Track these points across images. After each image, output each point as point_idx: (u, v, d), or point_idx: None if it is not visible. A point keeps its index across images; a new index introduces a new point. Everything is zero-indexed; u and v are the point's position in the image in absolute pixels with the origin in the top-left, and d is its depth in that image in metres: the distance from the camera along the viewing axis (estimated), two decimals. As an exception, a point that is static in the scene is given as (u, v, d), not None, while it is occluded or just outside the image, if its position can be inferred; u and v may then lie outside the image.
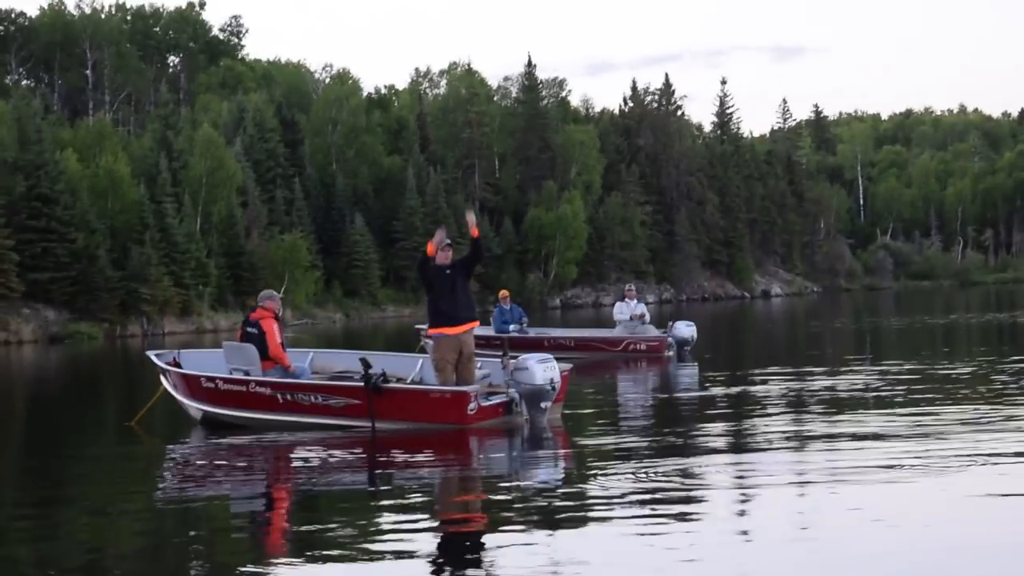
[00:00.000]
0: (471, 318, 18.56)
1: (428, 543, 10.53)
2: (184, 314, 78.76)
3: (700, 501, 11.74)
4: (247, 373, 19.21)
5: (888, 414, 17.96)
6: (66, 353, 57.16)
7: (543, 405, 17.96)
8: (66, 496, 14.23)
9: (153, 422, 20.36)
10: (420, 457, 15.83)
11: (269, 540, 11.35)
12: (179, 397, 20.20)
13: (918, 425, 16.46)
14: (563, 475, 14.26)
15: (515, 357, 18.44)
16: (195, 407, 19.84)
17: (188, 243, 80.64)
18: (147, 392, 21.19)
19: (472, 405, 17.58)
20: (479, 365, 18.73)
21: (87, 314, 73.77)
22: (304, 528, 11.53)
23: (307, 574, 9.38)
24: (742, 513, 11.16)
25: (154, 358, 21.17)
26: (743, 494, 12.18)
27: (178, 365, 20.47)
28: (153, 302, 75.99)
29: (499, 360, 18.78)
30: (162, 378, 20.68)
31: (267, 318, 19.61)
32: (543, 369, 17.93)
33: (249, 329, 19.57)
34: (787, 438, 16.08)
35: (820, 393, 21.91)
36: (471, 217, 19.30)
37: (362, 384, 17.87)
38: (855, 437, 15.57)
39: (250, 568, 9.90)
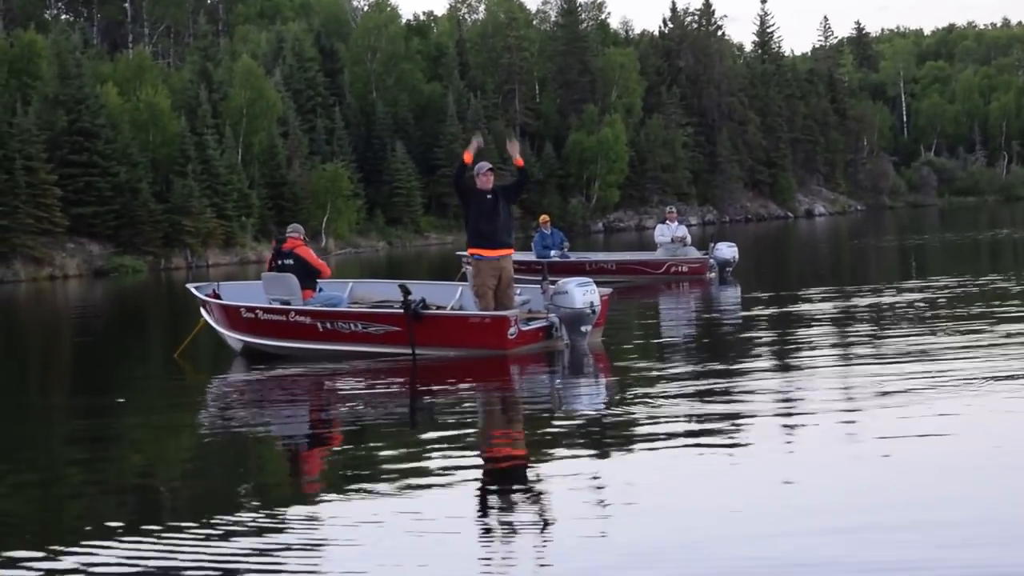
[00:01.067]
0: (509, 244, 18.50)
1: (472, 471, 10.55)
2: (227, 245, 78.94)
3: (746, 427, 11.57)
4: (287, 303, 19.26)
5: (934, 331, 17.85)
6: (111, 287, 57.49)
7: (583, 329, 17.93)
8: (112, 430, 14.33)
9: (196, 354, 20.47)
10: (461, 383, 15.87)
11: (312, 470, 11.40)
12: (219, 329, 20.26)
13: (967, 343, 16.31)
14: (605, 400, 14.25)
15: (554, 282, 18.42)
16: (235, 338, 19.90)
17: (230, 174, 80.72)
18: (191, 324, 21.27)
19: (512, 330, 17.57)
20: (518, 291, 18.70)
21: (131, 247, 74.04)
22: (346, 457, 11.57)
23: (350, 503, 9.37)
24: (790, 439, 10.98)
25: (194, 290, 21.24)
26: (790, 418, 12.03)
27: (218, 297, 20.52)
28: (196, 234, 76.19)
29: (538, 285, 18.75)
30: (202, 310, 20.75)
31: (299, 245, 19.74)
32: (583, 293, 17.90)
33: (284, 261, 19.63)
34: (832, 358, 16.01)
35: (864, 312, 21.82)
36: (515, 147, 19.21)
37: (402, 311, 17.88)
38: (901, 355, 15.46)
39: (294, 497, 9.95)
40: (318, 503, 9.53)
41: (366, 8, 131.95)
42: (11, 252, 67.99)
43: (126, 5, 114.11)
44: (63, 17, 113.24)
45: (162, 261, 74.54)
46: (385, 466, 10.65)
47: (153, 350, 24.29)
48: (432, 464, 10.62)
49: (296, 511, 9.19)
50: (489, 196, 18.40)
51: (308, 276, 19.49)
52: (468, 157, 18.25)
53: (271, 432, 13.55)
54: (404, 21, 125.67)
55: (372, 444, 11.94)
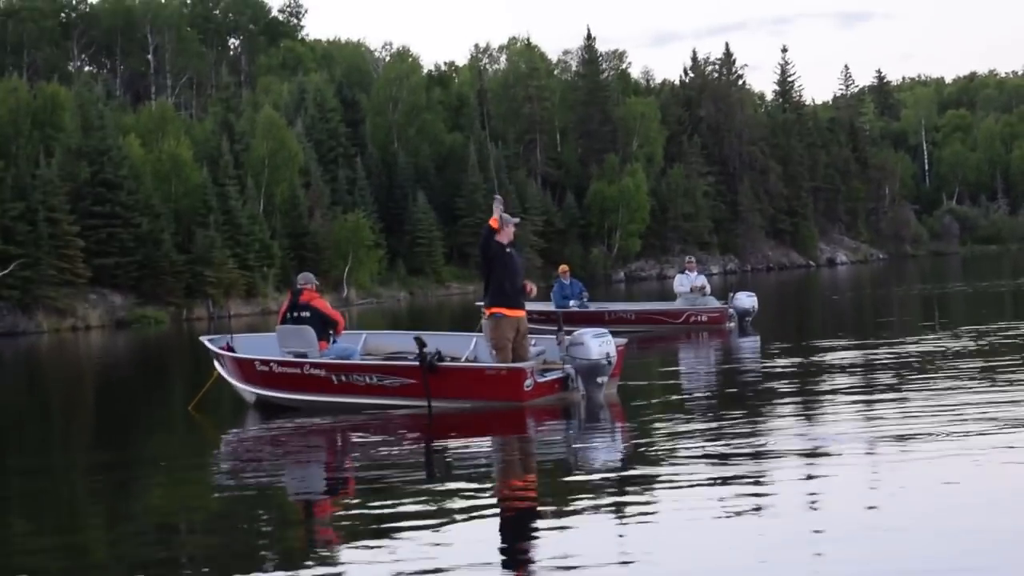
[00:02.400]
0: (524, 304, 18.57)
1: (488, 525, 10.51)
2: (249, 296, 79.12)
3: (768, 481, 11.46)
4: (304, 356, 19.22)
5: (958, 382, 17.73)
6: (133, 337, 57.62)
7: (599, 380, 17.88)
8: (131, 487, 14.32)
9: (213, 406, 20.43)
10: (477, 436, 15.86)
11: (328, 523, 11.35)
12: (233, 381, 20.23)
13: (988, 391, 16.23)
14: (621, 453, 14.18)
15: (570, 332, 18.39)
16: (249, 391, 19.87)
17: (252, 225, 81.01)
18: (209, 376, 21.25)
19: (528, 382, 17.53)
20: (533, 342, 18.69)
21: (153, 298, 74.29)
22: (362, 511, 11.50)
23: (366, 556, 9.36)
24: (813, 494, 10.78)
25: (207, 343, 21.21)
26: (812, 472, 11.89)
27: (231, 350, 20.50)
28: (218, 285, 76.39)
29: (554, 336, 18.71)
30: (216, 363, 20.72)
31: (316, 297, 19.75)
32: (598, 344, 17.86)
33: (300, 313, 19.59)
34: (854, 410, 15.90)
35: (887, 362, 21.67)
36: (498, 205, 18.94)
37: (417, 363, 17.85)
38: (924, 406, 15.36)
39: (309, 551, 9.92)
40: (335, 559, 9.51)
41: (388, 59, 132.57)
42: (34, 303, 68.26)
43: (149, 57, 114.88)
44: (86, 69, 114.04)
45: (184, 312, 74.71)
46: (402, 521, 10.59)
47: (173, 402, 24.28)
48: (449, 518, 10.58)
49: (314, 567, 9.16)
50: (509, 251, 18.42)
51: (324, 327, 19.49)
52: (495, 222, 18.27)
53: (287, 486, 13.52)
54: (425, 71, 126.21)
55: (388, 498, 11.89)
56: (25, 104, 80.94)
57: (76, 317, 70.29)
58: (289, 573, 9.02)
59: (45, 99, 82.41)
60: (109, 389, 29.75)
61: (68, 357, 46.88)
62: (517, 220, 18.89)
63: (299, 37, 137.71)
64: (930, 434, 13.12)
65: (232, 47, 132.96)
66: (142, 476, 14.73)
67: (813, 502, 10.37)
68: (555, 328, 18.94)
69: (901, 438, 13.02)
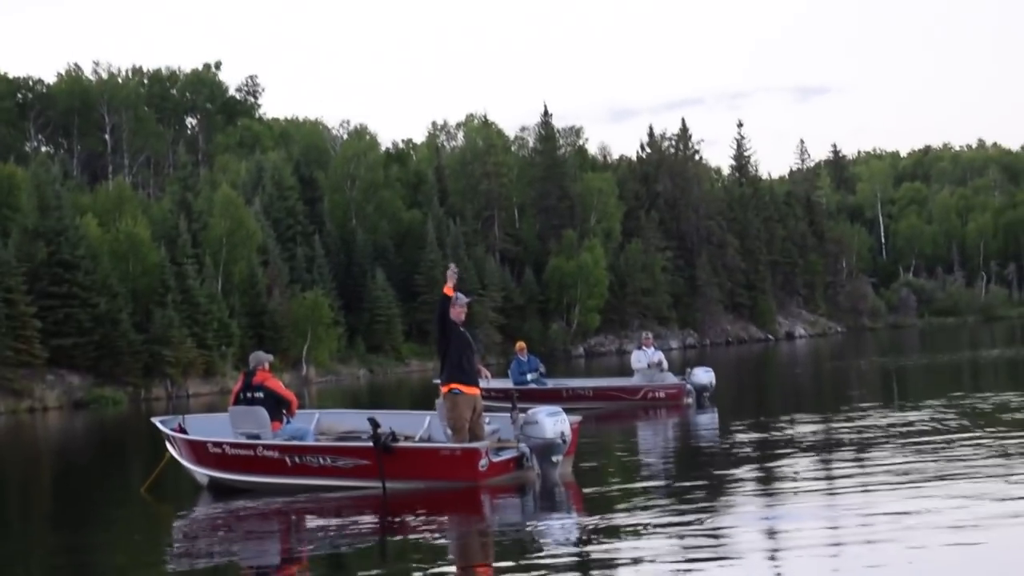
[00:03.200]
0: (479, 383, 18.59)
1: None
2: (208, 375, 78.76)
3: (729, 558, 11.51)
4: (257, 437, 19.14)
5: (917, 455, 17.78)
6: (91, 418, 57.23)
7: (554, 459, 17.87)
8: (83, 570, 14.22)
9: (166, 488, 20.29)
10: (433, 516, 15.80)
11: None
12: (185, 463, 20.10)
13: (951, 468, 16.25)
14: (578, 531, 14.15)
15: (524, 410, 18.38)
16: (202, 473, 19.73)
17: (210, 304, 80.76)
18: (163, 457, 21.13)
19: (483, 461, 17.51)
20: (488, 420, 18.68)
21: (111, 378, 73.89)
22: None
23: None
24: (775, 568, 10.82)
25: (159, 424, 21.09)
26: (772, 547, 11.93)
27: (183, 431, 20.37)
28: (176, 364, 76.06)
29: (508, 414, 18.71)
30: (168, 444, 20.59)
31: (269, 378, 19.68)
32: (553, 422, 17.86)
33: (254, 394, 19.51)
34: (813, 486, 15.91)
35: (845, 436, 21.71)
36: (452, 276, 18.92)
37: (371, 444, 17.82)
38: (885, 482, 15.38)
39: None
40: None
41: (345, 136, 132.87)
42: (-10, 384, 67.79)
43: (106, 137, 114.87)
44: (43, 149, 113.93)
45: (142, 391, 74.31)
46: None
47: (129, 484, 24.10)
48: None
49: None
50: (463, 330, 18.47)
51: (277, 407, 19.40)
52: (449, 290, 18.32)
53: (241, 569, 13.43)
54: (383, 149, 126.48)
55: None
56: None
57: (33, 398, 69.79)
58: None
59: (1, 179, 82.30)
60: (65, 472, 29.55)
61: (25, 439, 46.54)
62: (469, 299, 18.92)
63: (256, 116, 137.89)
64: (892, 512, 13.15)
65: (189, 126, 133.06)
66: (95, 562, 14.61)
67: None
68: (510, 406, 18.92)
69: (862, 514, 13.03)
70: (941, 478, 15.34)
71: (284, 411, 19.54)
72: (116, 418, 56.19)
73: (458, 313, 18.50)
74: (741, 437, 23.24)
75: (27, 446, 42.61)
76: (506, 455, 18.05)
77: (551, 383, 36.16)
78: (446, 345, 18.51)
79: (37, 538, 17.07)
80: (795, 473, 17.18)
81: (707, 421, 29.19)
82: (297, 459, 18.49)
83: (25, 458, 36.60)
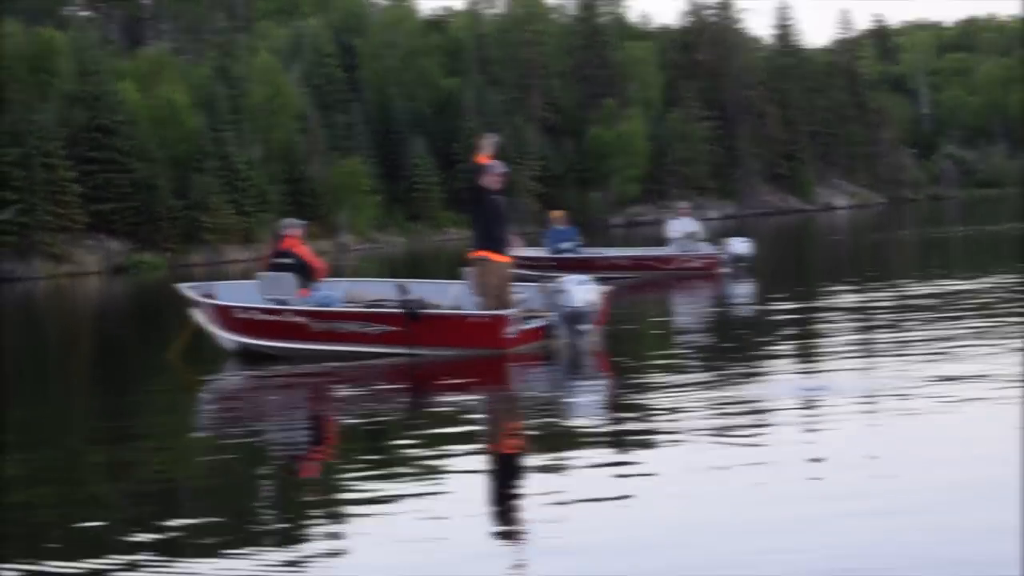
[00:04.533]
0: (509, 251, 18.55)
1: (477, 476, 10.45)
2: (246, 241, 78.94)
3: (763, 429, 11.36)
4: (285, 303, 19.14)
5: (955, 327, 17.63)
6: (130, 283, 57.63)
7: (582, 328, 17.86)
8: (111, 434, 14.33)
9: (193, 354, 20.30)
10: (460, 383, 15.86)
11: (312, 475, 11.34)
12: (213, 329, 20.10)
13: (984, 339, 16.12)
14: (605, 401, 14.17)
15: (554, 279, 18.37)
16: (230, 339, 19.75)
17: (248, 171, 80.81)
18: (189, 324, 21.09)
19: (511, 329, 17.51)
20: (516, 290, 18.63)
21: (150, 244, 74.26)
22: (348, 466, 11.46)
23: (356, 513, 9.31)
24: (810, 443, 10.61)
25: (186, 290, 21.02)
26: (809, 421, 11.73)
27: (212, 297, 20.38)
28: (215, 230, 76.34)
29: (537, 283, 18.70)
30: (195, 311, 20.48)
31: (298, 244, 19.62)
32: (582, 291, 17.81)
33: (282, 260, 19.48)
34: (851, 356, 15.79)
35: (883, 308, 21.53)
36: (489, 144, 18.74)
37: (399, 310, 17.84)
38: (924, 355, 15.25)
39: (294, 508, 9.91)
40: (323, 514, 9.44)
41: (384, 3, 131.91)
42: (30, 249, 68.21)
43: (145, 1, 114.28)
44: (82, 14, 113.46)
45: (181, 257, 74.64)
46: (390, 475, 10.56)
47: (162, 349, 24.25)
48: (430, 468, 10.52)
49: (301, 523, 9.19)
50: (496, 198, 18.35)
51: (305, 275, 19.36)
52: (483, 158, 18.21)
53: (268, 439, 13.43)
54: (422, 17, 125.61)
55: (375, 451, 11.90)
56: (21, 49, 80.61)
57: (73, 263, 70.26)
58: (283, 529, 9.04)
59: (41, 44, 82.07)
60: (102, 336, 29.80)
61: (64, 304, 46.92)
62: (505, 169, 18.81)
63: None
64: (930, 379, 13.11)
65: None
66: (120, 431, 14.68)
67: (810, 452, 10.15)
68: (540, 274, 18.92)
69: (900, 386, 12.94)
70: (978, 346, 15.22)
71: (312, 279, 19.50)
72: (155, 283, 56.47)
73: (493, 181, 18.38)
74: (776, 307, 23.16)
75: (66, 310, 42.97)
76: (534, 323, 18.08)
77: (586, 252, 36.13)
78: (476, 213, 18.46)
79: (71, 403, 17.21)
80: (830, 343, 17.13)
81: (743, 291, 29.12)
82: (325, 325, 18.49)
83: (64, 322, 36.89)
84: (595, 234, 69.28)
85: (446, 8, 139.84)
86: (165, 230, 74.50)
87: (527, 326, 17.89)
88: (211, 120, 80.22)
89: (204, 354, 20.12)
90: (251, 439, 13.06)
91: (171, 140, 78.93)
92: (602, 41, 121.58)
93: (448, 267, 49.32)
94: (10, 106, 71.94)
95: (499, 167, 18.55)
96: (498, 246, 18.13)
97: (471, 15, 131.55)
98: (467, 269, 18.58)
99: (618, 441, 11.17)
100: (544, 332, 17.99)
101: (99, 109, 74.49)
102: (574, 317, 17.76)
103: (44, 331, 34.04)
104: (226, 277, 41.35)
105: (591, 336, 18.04)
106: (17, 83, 76.66)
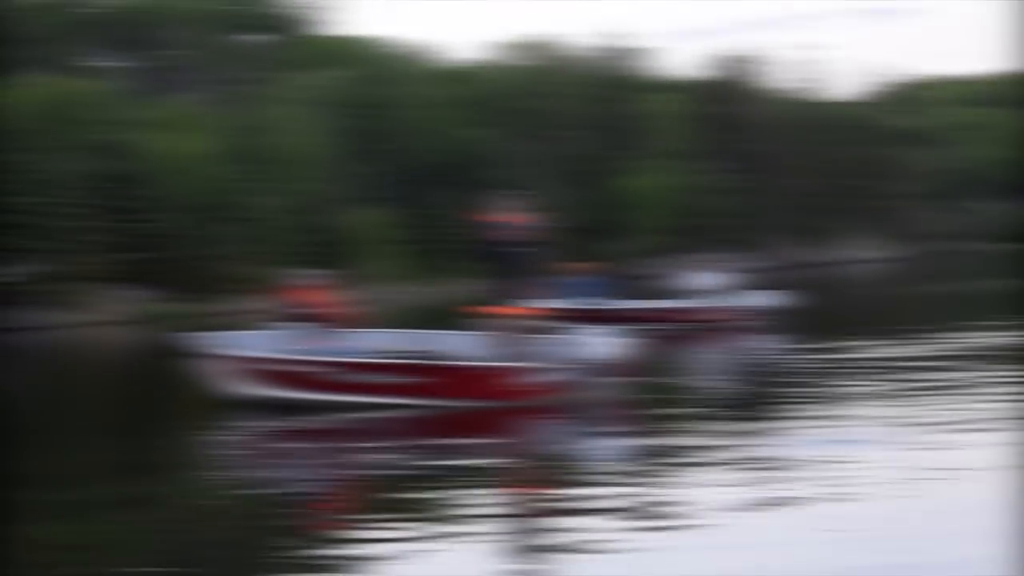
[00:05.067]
0: (529, 304, 18.34)
1: (485, 525, 10.34)
2: (270, 291, 78.81)
3: (788, 478, 11.28)
4: (301, 354, 19.02)
5: (979, 384, 17.39)
6: (153, 333, 57.62)
7: (602, 380, 17.69)
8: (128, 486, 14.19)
9: (210, 404, 20.17)
10: (478, 435, 15.71)
11: (328, 525, 11.21)
12: (231, 380, 19.94)
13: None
14: (626, 451, 14.02)
15: (574, 331, 18.22)
16: (246, 389, 19.62)
17: (273, 221, 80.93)
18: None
19: (529, 380, 17.36)
20: (536, 340, 18.46)
21: (175, 294, 74.29)
22: (363, 511, 11.37)
23: (368, 559, 9.16)
24: (834, 504, 10.47)
25: (205, 341, 20.92)
26: (831, 478, 11.53)
27: (229, 348, 20.23)
28: (239, 280, 76.36)
29: (557, 335, 18.54)
30: (211, 362, 20.35)
31: (316, 295, 19.56)
32: (601, 343, 17.69)
33: (300, 310, 19.44)
34: (877, 409, 15.62)
35: (911, 359, 21.31)
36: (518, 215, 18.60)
37: (417, 362, 17.71)
38: (947, 406, 15.10)
39: (309, 555, 9.77)
40: (334, 560, 9.31)
41: (408, 54, 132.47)
42: (53, 299, 68.24)
43: (172, 51, 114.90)
44: (108, 64, 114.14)
45: (206, 307, 74.63)
46: (403, 523, 10.44)
47: (182, 398, 24.16)
48: (451, 515, 10.41)
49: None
50: (514, 250, 18.20)
51: (323, 326, 19.26)
52: (499, 217, 17.97)
53: (285, 490, 13.33)
54: (447, 68, 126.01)
55: (389, 495, 11.78)
56: (47, 99, 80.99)
57: (96, 312, 70.28)
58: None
59: (66, 94, 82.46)
60: (120, 386, 29.75)
61: (86, 353, 46.93)
62: (525, 218, 18.66)
63: (321, 33, 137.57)
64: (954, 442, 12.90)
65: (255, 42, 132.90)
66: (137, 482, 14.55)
67: (836, 513, 9.99)
68: (561, 325, 18.77)
69: (924, 437, 12.80)
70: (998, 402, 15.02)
71: (331, 329, 19.41)
72: (178, 333, 56.41)
73: (512, 234, 18.26)
74: (802, 359, 22.97)
75: (88, 360, 42.96)
76: (554, 375, 17.88)
77: (610, 304, 35.99)
78: (492, 269, 18.30)
79: (93, 453, 17.11)
80: (856, 396, 16.93)
81: (767, 344, 28.94)
82: (344, 376, 18.36)
83: (86, 372, 36.85)
84: (619, 286, 69.22)
85: (471, 59, 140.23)
86: (189, 280, 74.51)
87: (546, 378, 17.71)
88: (236, 170, 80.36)
89: (220, 404, 20.00)
90: (267, 488, 12.93)
91: (196, 190, 79.08)
92: (627, 93, 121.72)
93: (469, 318, 49.40)
94: (34, 155, 72.18)
95: (520, 222, 18.43)
96: (512, 300, 17.95)
97: (496, 66, 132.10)
98: (485, 321, 18.41)
99: (637, 493, 10.99)
100: (564, 384, 17.79)
101: (124, 158, 74.64)
102: (593, 369, 17.58)
103: (66, 380, 33.98)
104: (250, 327, 41.31)
105: (610, 388, 17.86)
106: (43, 132, 77.05)
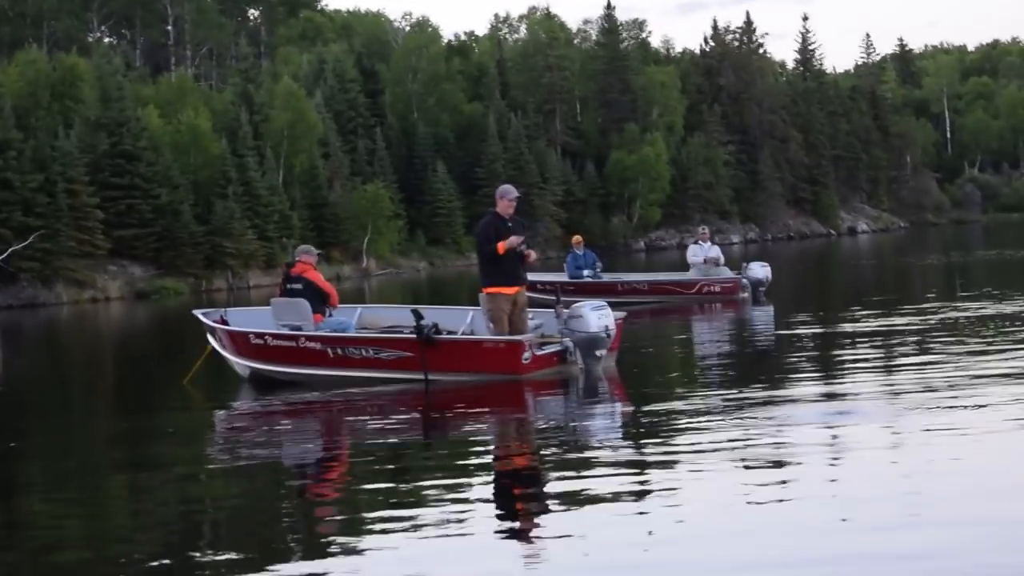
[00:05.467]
0: (524, 280, 18.43)
1: (485, 501, 10.47)
2: (269, 267, 78.94)
3: (782, 452, 11.32)
4: (299, 329, 19.15)
5: (980, 354, 17.47)
6: (152, 309, 57.77)
7: (598, 353, 17.77)
8: (114, 460, 14.33)
9: (205, 380, 20.31)
10: (475, 409, 15.82)
11: (325, 501, 11.32)
12: (227, 355, 20.15)
13: (1011, 365, 15.98)
14: (620, 426, 14.15)
15: (568, 305, 18.33)
16: (243, 364, 19.77)
17: (271, 196, 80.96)
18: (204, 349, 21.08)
19: (526, 355, 17.45)
20: (531, 315, 18.59)
21: (172, 269, 74.36)
22: (361, 487, 11.46)
23: (367, 540, 9.28)
24: (833, 476, 10.46)
25: (201, 316, 21.07)
26: (829, 451, 11.52)
27: (225, 323, 20.41)
28: (237, 256, 76.44)
29: (552, 309, 18.65)
30: (209, 336, 20.61)
31: (309, 270, 19.63)
32: (597, 317, 17.75)
33: (292, 285, 19.52)
34: (871, 379, 15.69)
35: (906, 332, 21.29)
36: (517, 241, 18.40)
37: (414, 336, 17.82)
38: (945, 375, 15.20)
39: (305, 532, 9.90)
40: (334, 541, 9.43)
41: (407, 29, 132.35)
42: (53, 275, 68.34)
43: (168, 28, 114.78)
44: (106, 40, 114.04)
45: (203, 283, 74.74)
46: (402, 499, 10.57)
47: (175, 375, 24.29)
48: (445, 493, 10.49)
49: (312, 548, 9.21)
50: (510, 225, 18.25)
51: (318, 301, 19.35)
52: (502, 248, 17.93)
53: (282, 463, 13.45)
54: (445, 41, 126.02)
55: (388, 476, 11.88)
56: (44, 76, 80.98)
57: (96, 289, 70.39)
58: (281, 554, 9.03)
59: (64, 71, 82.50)
60: (122, 362, 29.89)
61: (87, 329, 47.05)
62: (516, 193, 18.74)
63: (319, 8, 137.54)
64: (952, 405, 13.05)
65: (252, 18, 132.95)
66: (138, 458, 14.66)
67: (836, 486, 10.06)
68: (554, 300, 18.86)
69: (924, 407, 12.94)
70: (1004, 375, 15.10)
71: (325, 305, 19.52)
72: (177, 309, 56.55)
73: (506, 207, 18.36)
74: (795, 332, 23.09)
75: (88, 336, 43.08)
76: (549, 349, 18.02)
77: (606, 277, 36.10)
78: (487, 248, 18.19)
79: (90, 429, 17.24)
80: (853, 367, 17.05)
81: (762, 316, 29.08)
82: (339, 351, 18.48)
83: (86, 347, 36.98)
84: (617, 258, 69.28)
85: (469, 33, 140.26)
86: (188, 255, 74.58)
87: (542, 352, 17.85)
88: (233, 146, 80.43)
89: (219, 380, 20.15)
90: (265, 465, 13.04)
91: (193, 166, 79.17)
92: (624, 66, 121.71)
93: (470, 292, 49.45)
94: (34, 133, 72.26)
95: (512, 192, 18.52)
96: (507, 279, 18.01)
97: (494, 40, 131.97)
98: (481, 296, 18.45)
99: (634, 468, 11.12)
100: (559, 358, 17.94)
101: (122, 135, 74.71)
102: (589, 343, 17.71)
103: (66, 356, 34.10)
104: (248, 302, 41.46)
105: (606, 361, 18.00)
106: (40, 110, 77.08)
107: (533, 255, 18.60)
